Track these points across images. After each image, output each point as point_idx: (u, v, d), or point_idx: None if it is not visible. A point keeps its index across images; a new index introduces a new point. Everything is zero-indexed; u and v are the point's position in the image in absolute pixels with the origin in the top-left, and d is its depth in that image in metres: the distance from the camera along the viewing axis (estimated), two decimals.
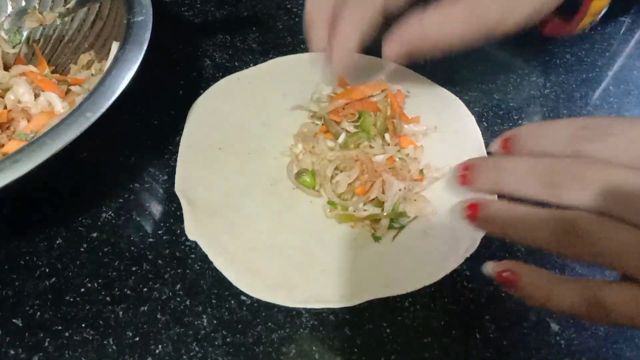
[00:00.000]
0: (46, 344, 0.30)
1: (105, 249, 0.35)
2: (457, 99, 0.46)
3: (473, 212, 0.27)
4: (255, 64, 0.48)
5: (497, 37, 0.35)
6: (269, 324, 0.32)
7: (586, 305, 0.25)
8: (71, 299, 0.32)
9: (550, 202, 0.25)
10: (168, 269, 0.34)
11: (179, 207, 0.37)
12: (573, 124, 0.27)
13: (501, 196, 0.25)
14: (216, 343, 0.31)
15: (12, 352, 0.30)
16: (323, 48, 0.38)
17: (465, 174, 0.28)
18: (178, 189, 0.38)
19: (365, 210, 0.36)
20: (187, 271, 0.34)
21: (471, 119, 0.44)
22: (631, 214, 0.23)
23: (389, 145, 0.40)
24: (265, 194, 0.38)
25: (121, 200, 0.37)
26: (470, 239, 0.36)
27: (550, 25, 0.40)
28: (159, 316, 0.32)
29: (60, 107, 0.38)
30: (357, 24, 0.36)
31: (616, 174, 0.24)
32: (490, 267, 0.27)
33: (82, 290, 0.33)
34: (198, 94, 0.45)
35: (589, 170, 0.25)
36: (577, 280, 0.26)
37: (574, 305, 0.25)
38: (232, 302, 0.33)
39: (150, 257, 0.34)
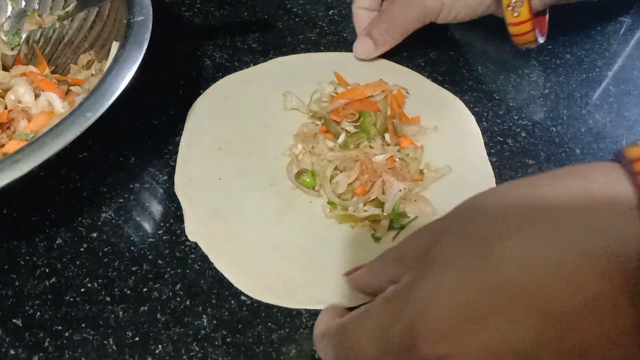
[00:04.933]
0: (46, 344, 0.30)
1: (105, 249, 0.35)
2: (457, 99, 0.46)
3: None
4: (255, 64, 0.48)
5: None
6: (269, 324, 0.32)
7: None
8: (71, 299, 0.32)
9: None
10: (168, 269, 0.34)
11: (179, 207, 0.37)
12: None
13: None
14: (216, 343, 0.31)
15: (12, 352, 0.30)
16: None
17: None
18: (178, 189, 0.38)
19: (365, 210, 0.36)
20: (187, 271, 0.34)
21: (471, 119, 0.44)
22: None
23: (389, 145, 0.40)
24: (265, 194, 0.38)
25: (121, 200, 0.37)
26: None
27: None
28: (159, 316, 0.32)
29: (61, 107, 0.38)
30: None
31: None
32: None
33: (82, 290, 0.33)
34: (198, 94, 0.45)
35: None
36: None
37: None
38: (232, 302, 0.33)
39: (150, 257, 0.34)
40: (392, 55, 0.49)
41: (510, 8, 0.40)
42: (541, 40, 0.43)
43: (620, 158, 0.19)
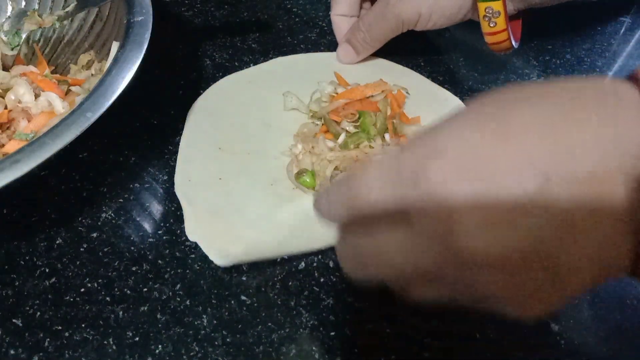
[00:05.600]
0: (46, 344, 0.30)
1: (105, 249, 0.35)
2: (457, 99, 0.46)
3: None
4: (255, 64, 0.48)
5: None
6: (269, 324, 0.32)
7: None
8: (71, 299, 0.32)
9: None
10: (168, 269, 0.34)
11: (179, 207, 0.37)
12: None
13: None
14: (216, 343, 0.31)
15: (12, 352, 0.30)
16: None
17: None
18: (178, 189, 0.38)
19: None
20: (187, 271, 0.34)
21: None
22: None
23: (389, 145, 0.40)
24: (265, 194, 0.38)
25: (121, 200, 0.37)
26: None
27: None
28: (159, 316, 0.32)
29: (61, 107, 0.38)
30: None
31: None
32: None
33: (82, 290, 0.33)
34: (198, 94, 0.45)
35: None
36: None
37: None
38: (232, 302, 0.33)
39: (150, 257, 0.34)
40: (392, 55, 0.49)
41: (486, 19, 0.40)
42: (516, 45, 0.43)
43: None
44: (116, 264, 0.34)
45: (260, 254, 0.34)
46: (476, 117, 0.21)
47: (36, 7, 0.46)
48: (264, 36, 0.51)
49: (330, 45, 0.51)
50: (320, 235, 0.35)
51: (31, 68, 0.42)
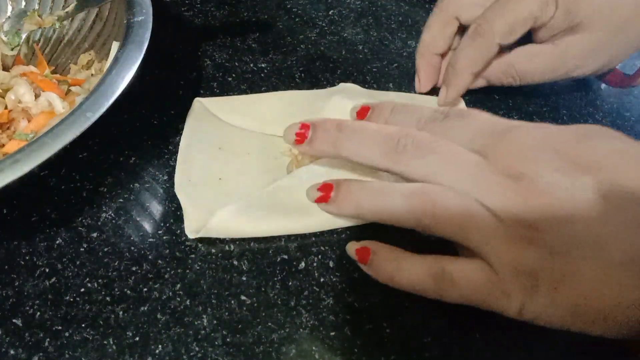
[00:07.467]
0: (46, 344, 0.30)
1: (105, 249, 0.35)
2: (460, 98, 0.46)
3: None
4: (255, 64, 0.48)
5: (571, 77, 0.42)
6: (269, 324, 0.32)
7: (433, 279, 0.27)
8: (71, 299, 0.32)
9: (389, 169, 0.28)
10: (168, 269, 0.34)
11: (179, 207, 0.37)
12: (431, 110, 0.30)
13: None
14: (216, 343, 0.31)
15: (12, 352, 0.30)
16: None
17: (303, 132, 0.28)
18: (178, 189, 0.38)
19: None
20: (187, 271, 0.34)
21: None
22: (457, 185, 0.26)
23: None
24: None
25: (121, 200, 0.37)
26: None
27: (614, 77, 0.43)
28: (159, 316, 0.32)
29: (61, 107, 0.38)
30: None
31: (454, 149, 0.27)
32: (349, 246, 0.30)
33: (82, 290, 0.33)
34: (198, 94, 0.45)
35: (431, 142, 0.27)
36: (425, 256, 0.28)
37: (420, 279, 0.27)
38: (232, 302, 0.33)
39: (150, 257, 0.34)
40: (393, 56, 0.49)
41: None
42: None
43: None
44: (116, 264, 0.34)
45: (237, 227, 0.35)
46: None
47: (36, 7, 0.46)
48: (264, 36, 0.51)
49: (330, 45, 0.51)
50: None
51: (31, 68, 0.42)
